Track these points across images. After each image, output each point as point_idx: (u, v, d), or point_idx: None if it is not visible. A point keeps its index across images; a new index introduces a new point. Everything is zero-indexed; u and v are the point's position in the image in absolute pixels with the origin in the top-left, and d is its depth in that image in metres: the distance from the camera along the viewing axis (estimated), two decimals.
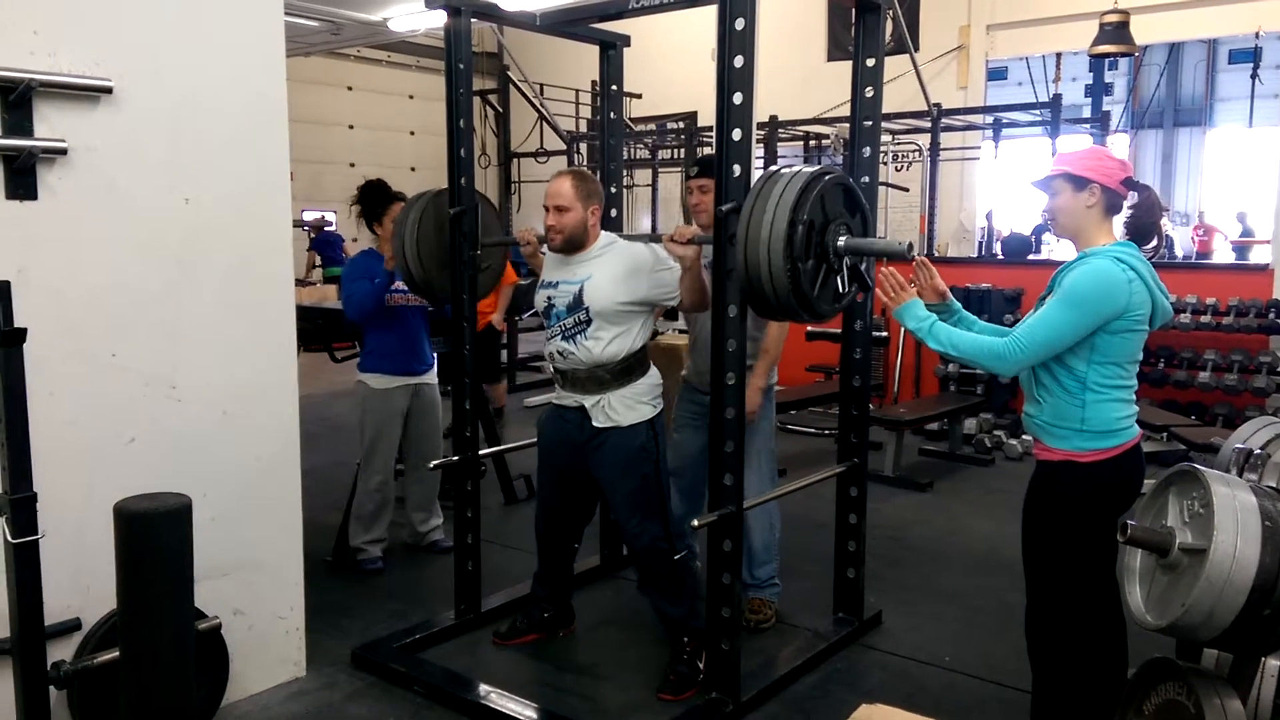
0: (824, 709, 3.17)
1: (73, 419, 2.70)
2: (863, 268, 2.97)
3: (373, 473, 4.29)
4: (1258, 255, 13.55)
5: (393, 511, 4.42)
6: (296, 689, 3.26)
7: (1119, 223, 2.58)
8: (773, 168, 2.82)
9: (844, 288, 2.86)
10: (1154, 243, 2.57)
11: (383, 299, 4.17)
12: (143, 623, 2.08)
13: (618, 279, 3.19)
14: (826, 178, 2.73)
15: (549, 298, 3.30)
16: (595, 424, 3.25)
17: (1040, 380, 2.59)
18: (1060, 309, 2.46)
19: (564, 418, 3.37)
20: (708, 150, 11.58)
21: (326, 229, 11.82)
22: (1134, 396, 2.59)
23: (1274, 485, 2.59)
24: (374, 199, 4.37)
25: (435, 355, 4.50)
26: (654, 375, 3.34)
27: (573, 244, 3.25)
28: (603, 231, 3.34)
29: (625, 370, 3.23)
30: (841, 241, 2.78)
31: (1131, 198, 2.56)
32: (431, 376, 4.43)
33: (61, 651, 2.67)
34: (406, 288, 4.07)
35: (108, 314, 2.76)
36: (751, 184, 2.79)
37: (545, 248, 3.41)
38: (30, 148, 2.53)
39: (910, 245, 2.75)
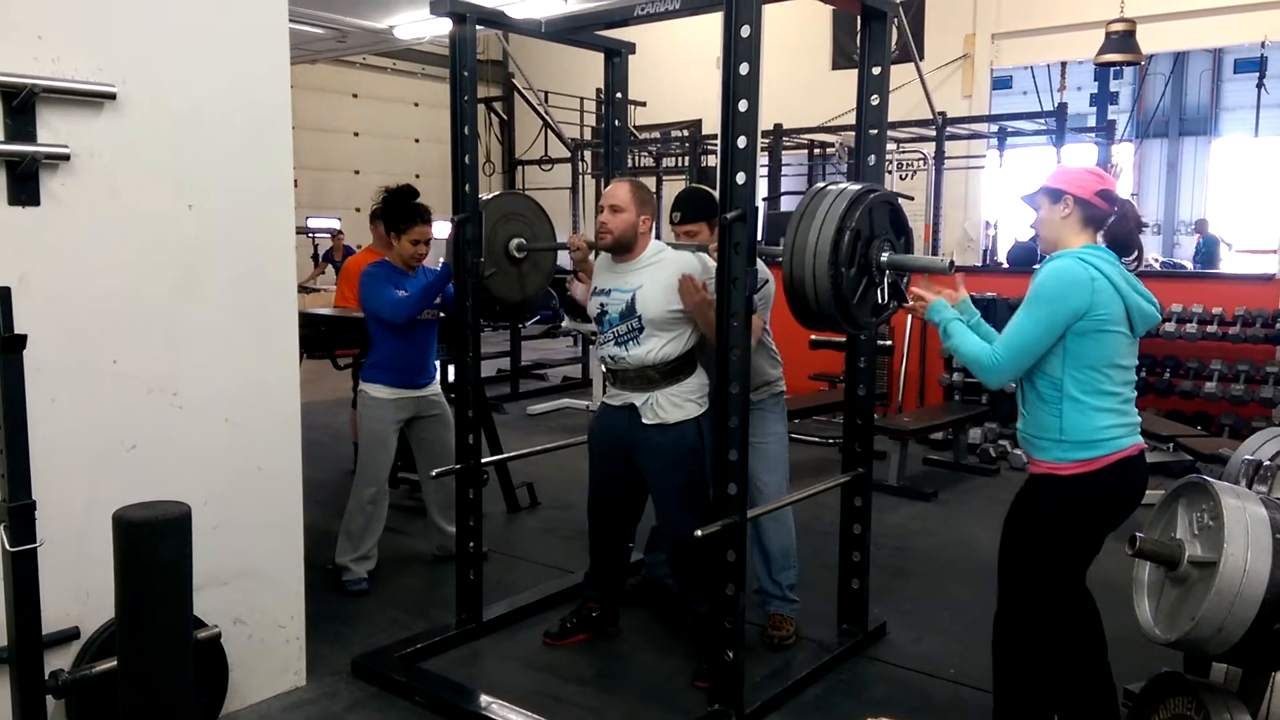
0: None
1: (73, 426, 2.68)
2: (903, 283, 2.99)
3: (366, 483, 4.19)
4: (1227, 264, 13.52)
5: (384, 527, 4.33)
6: (296, 699, 3.24)
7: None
8: (820, 184, 2.89)
9: (883, 299, 2.91)
10: (1134, 254, 2.60)
11: (434, 296, 4.15)
12: (141, 632, 2.06)
13: (669, 288, 3.28)
14: (874, 194, 2.80)
15: (602, 304, 3.42)
16: (644, 421, 3.34)
17: (1024, 391, 2.64)
18: (1026, 310, 2.52)
19: (614, 416, 3.47)
20: (712, 159, 11.59)
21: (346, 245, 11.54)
22: (1125, 406, 2.55)
23: None
24: (400, 210, 4.25)
25: (438, 367, 4.48)
26: (701, 375, 3.41)
27: (622, 245, 3.35)
28: (653, 240, 3.43)
29: (673, 371, 3.34)
30: (885, 256, 2.84)
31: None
32: (434, 388, 4.39)
33: (60, 660, 2.65)
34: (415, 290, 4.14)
35: (109, 320, 2.74)
36: (756, 192, 2.81)
37: (593, 255, 3.48)
38: (33, 153, 2.52)
39: (951, 262, 2.84)
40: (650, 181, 12.98)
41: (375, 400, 4.20)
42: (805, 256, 2.73)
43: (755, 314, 3.01)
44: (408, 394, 4.24)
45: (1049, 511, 2.58)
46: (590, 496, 3.64)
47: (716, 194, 3.44)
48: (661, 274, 3.31)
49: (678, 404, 3.34)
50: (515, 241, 3.93)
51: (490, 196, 3.86)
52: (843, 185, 2.84)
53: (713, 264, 3.20)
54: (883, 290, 2.89)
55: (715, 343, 2.94)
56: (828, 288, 2.71)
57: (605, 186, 3.62)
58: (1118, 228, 2.57)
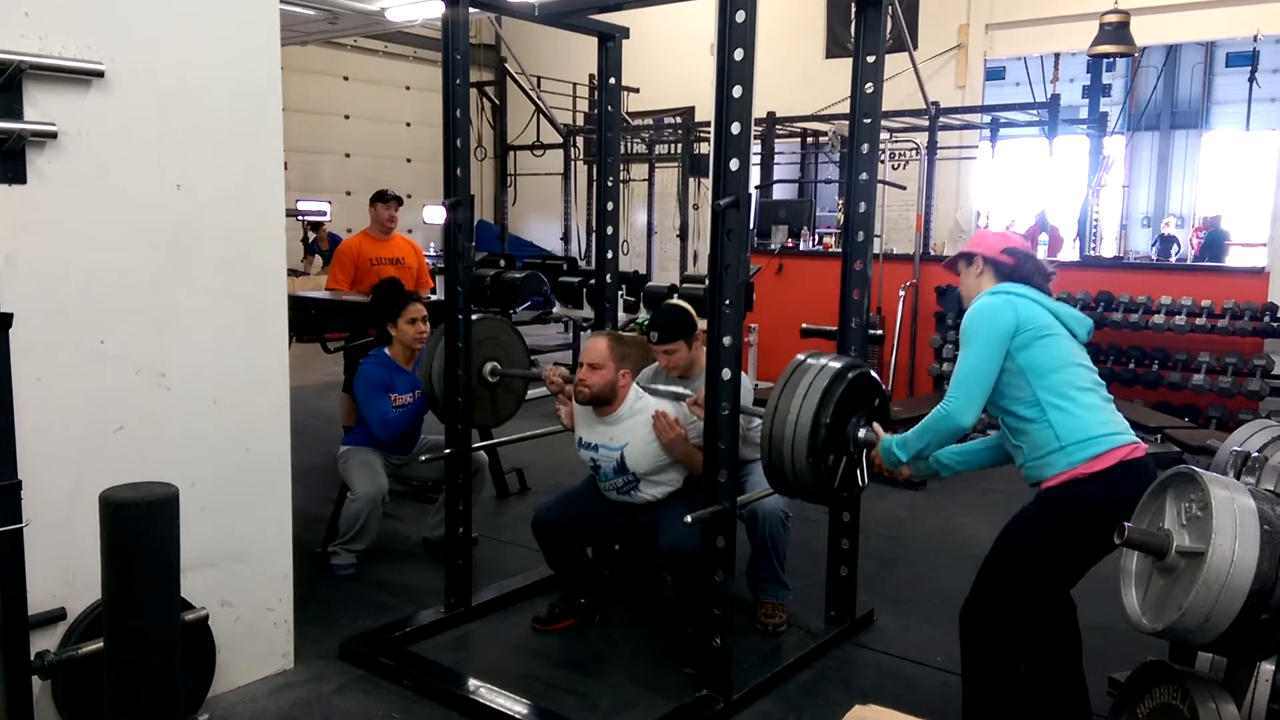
0: (815, 708, 3.15)
1: (60, 406, 2.66)
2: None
3: (360, 498, 4.13)
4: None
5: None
6: (284, 681, 3.23)
7: None
8: (800, 356, 2.92)
9: (863, 481, 2.97)
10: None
11: (420, 416, 4.22)
12: (128, 613, 2.05)
13: (654, 443, 3.41)
14: (850, 375, 2.84)
15: (593, 459, 3.54)
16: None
17: (1008, 427, 2.71)
18: (964, 351, 2.66)
19: None
20: (705, 146, 11.56)
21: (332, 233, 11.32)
22: (1108, 404, 2.63)
23: (1272, 489, 2.57)
24: (388, 300, 4.37)
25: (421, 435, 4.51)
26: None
27: (599, 400, 3.43)
28: (633, 386, 3.48)
29: (678, 494, 3.50)
30: (861, 434, 2.88)
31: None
32: (419, 443, 4.44)
33: (46, 641, 2.64)
34: (410, 393, 4.23)
35: (97, 300, 2.72)
36: (749, 179, 2.80)
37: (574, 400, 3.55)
38: (20, 131, 2.49)
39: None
40: (643, 169, 12.97)
41: (358, 449, 4.27)
42: (784, 447, 2.78)
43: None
44: (394, 457, 4.34)
45: (1060, 519, 2.59)
46: (555, 508, 3.64)
47: (693, 310, 3.58)
48: (644, 430, 3.40)
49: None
50: (490, 366, 3.92)
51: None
52: (821, 363, 2.85)
53: (689, 413, 3.35)
54: (862, 469, 2.94)
55: (703, 451, 2.98)
56: (808, 478, 2.78)
57: (596, 174, 3.63)
58: (1018, 276, 2.76)
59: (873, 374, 2.99)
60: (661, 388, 3.59)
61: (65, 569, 2.70)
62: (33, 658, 2.54)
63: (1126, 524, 2.31)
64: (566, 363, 9.93)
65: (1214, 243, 13.86)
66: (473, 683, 3.19)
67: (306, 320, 5.39)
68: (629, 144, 12.56)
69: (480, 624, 3.73)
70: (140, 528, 2.01)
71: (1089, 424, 2.56)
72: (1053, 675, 2.70)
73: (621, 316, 5.04)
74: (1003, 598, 2.68)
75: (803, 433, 2.74)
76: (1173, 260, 13.20)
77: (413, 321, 4.28)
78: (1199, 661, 2.55)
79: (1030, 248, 2.86)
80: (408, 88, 16.01)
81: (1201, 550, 2.15)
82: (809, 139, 12.22)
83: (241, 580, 3.12)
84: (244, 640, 3.14)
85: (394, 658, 3.34)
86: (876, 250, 7.48)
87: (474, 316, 3.66)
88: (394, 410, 4.19)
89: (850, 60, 3.42)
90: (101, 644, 2.16)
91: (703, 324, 3.32)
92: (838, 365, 2.85)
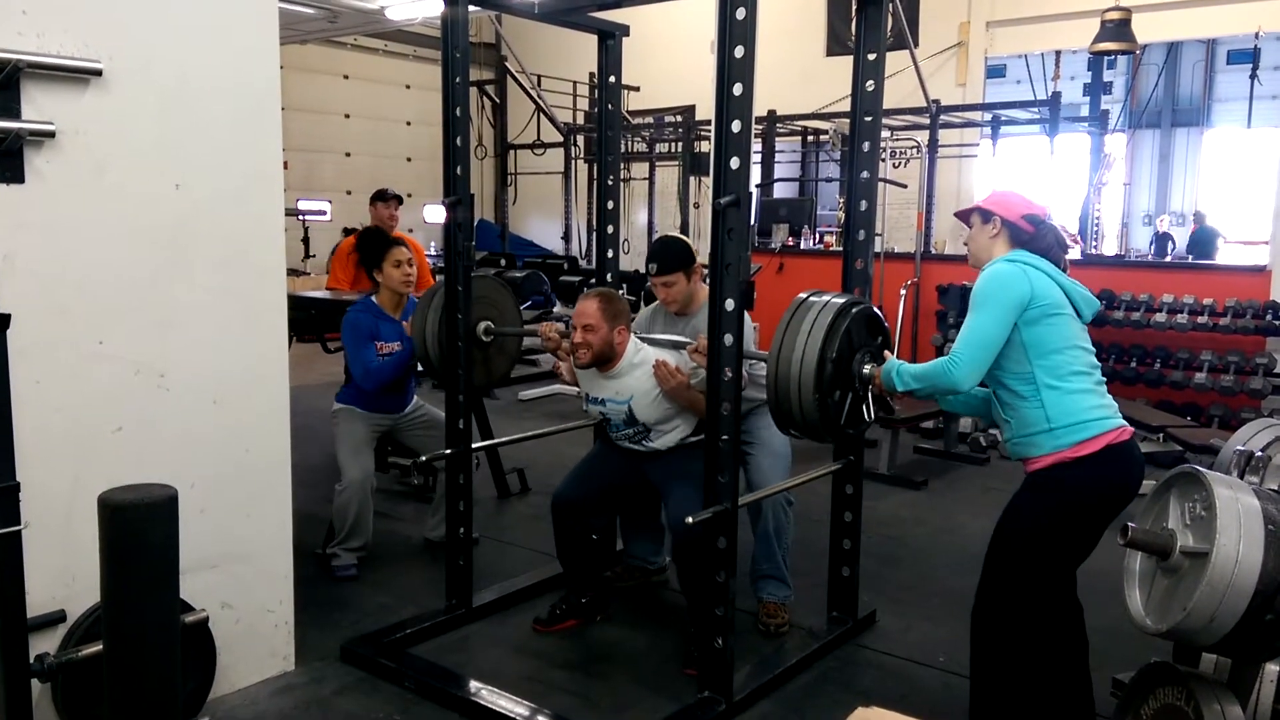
0: (818, 709, 3.14)
1: (59, 407, 2.65)
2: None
3: (349, 483, 4.12)
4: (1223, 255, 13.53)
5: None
6: (285, 683, 3.22)
7: None
8: (801, 294, 2.91)
9: (869, 416, 2.98)
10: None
11: (407, 367, 4.16)
12: (128, 615, 2.04)
13: (658, 392, 3.41)
14: (854, 311, 2.83)
15: (602, 413, 3.56)
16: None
17: (1000, 399, 2.70)
18: (973, 314, 2.62)
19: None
20: (705, 145, 11.55)
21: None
22: (1100, 388, 2.64)
23: (1276, 488, 2.56)
24: (372, 245, 4.33)
25: (415, 390, 4.47)
26: None
27: (600, 359, 3.42)
28: (631, 337, 3.47)
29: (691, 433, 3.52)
30: (866, 369, 2.87)
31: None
32: (413, 403, 4.40)
33: (46, 644, 2.63)
34: (399, 340, 4.16)
35: (96, 301, 2.71)
36: (750, 178, 2.78)
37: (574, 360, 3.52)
38: (17, 130, 2.48)
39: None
40: (643, 167, 12.96)
41: (350, 413, 4.23)
42: (790, 385, 2.77)
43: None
44: (384, 415, 4.29)
45: (1051, 504, 2.60)
46: (569, 484, 3.63)
47: (693, 243, 3.54)
48: (648, 382, 3.41)
49: (697, 434, 3.44)
50: (483, 325, 3.87)
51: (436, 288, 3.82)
52: (825, 299, 2.85)
53: (690, 360, 3.35)
54: (868, 405, 2.94)
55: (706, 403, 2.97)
56: (815, 414, 2.78)
57: (597, 173, 3.62)
58: (1033, 245, 2.71)
59: (875, 310, 2.98)
60: (660, 337, 3.59)
61: (64, 571, 2.68)
62: (32, 660, 2.53)
63: (1130, 524, 2.31)
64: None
65: (1200, 240, 13.78)
66: (474, 684, 3.18)
67: (306, 320, 5.38)
68: (629, 142, 12.55)
69: (481, 625, 3.72)
70: (140, 530, 2.00)
71: (1080, 407, 2.57)
72: (1059, 676, 2.69)
73: None
74: (1009, 591, 2.67)
75: (809, 369, 2.74)
76: (1169, 258, 13.17)
77: (398, 264, 4.22)
78: (1203, 662, 2.54)
79: (1048, 214, 2.79)
80: (408, 86, 15.98)
81: (1205, 550, 2.14)
82: (810, 137, 12.21)
83: (242, 582, 3.11)
84: (244, 642, 3.13)
85: (395, 659, 3.33)
86: (877, 249, 7.47)
87: None
88: (379, 358, 4.13)
89: (851, 58, 3.41)
90: (101, 647, 2.15)
91: (702, 257, 3.35)
92: (841, 301, 2.85)
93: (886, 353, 2.92)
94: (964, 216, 2.85)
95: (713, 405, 2.88)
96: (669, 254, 3.58)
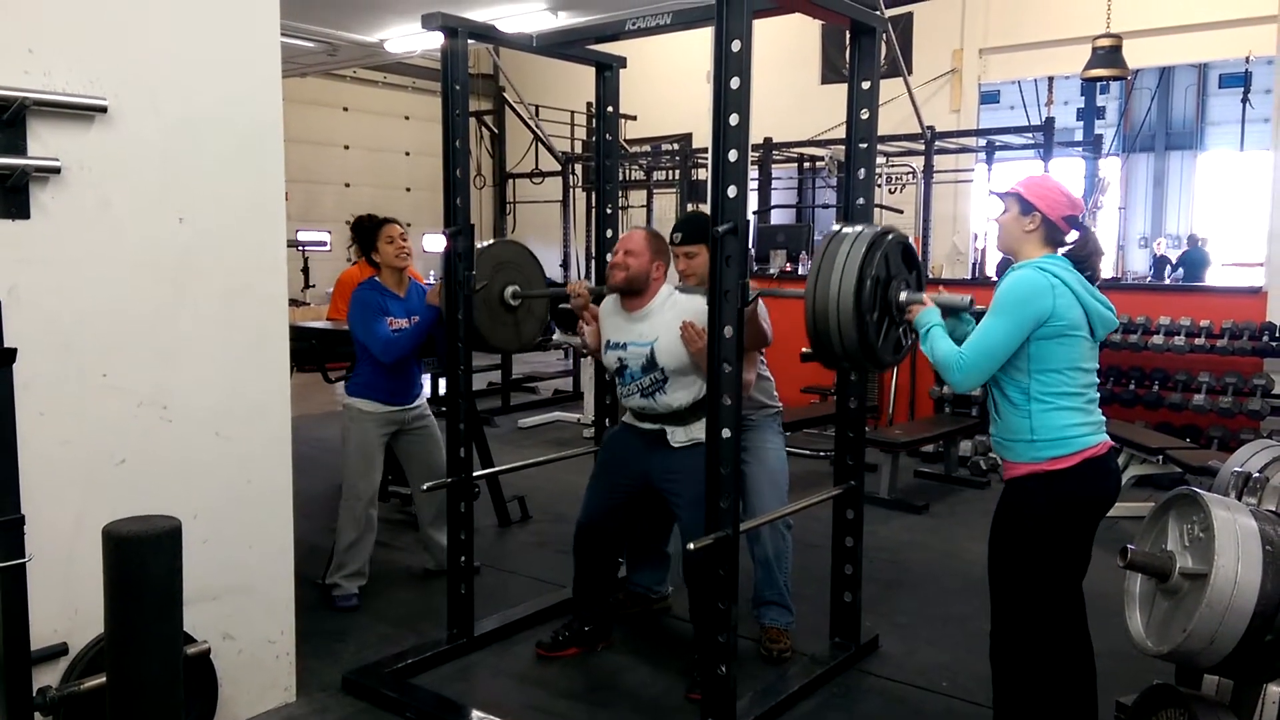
0: None
1: (63, 440, 2.66)
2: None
3: (354, 498, 4.14)
4: (1211, 277, 13.55)
5: (374, 541, 4.29)
6: (286, 714, 3.21)
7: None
8: (835, 226, 2.92)
9: (905, 340, 2.97)
10: (1088, 274, 2.69)
11: (419, 343, 4.13)
12: (131, 647, 2.04)
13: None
14: (889, 237, 2.84)
15: (620, 359, 3.47)
16: (674, 443, 3.42)
17: (993, 396, 2.71)
18: (991, 318, 2.60)
19: (639, 434, 3.52)
20: (702, 172, 11.63)
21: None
22: (1089, 406, 2.64)
23: (1274, 509, 2.58)
24: (364, 232, 4.33)
25: (424, 382, 4.45)
26: None
27: (633, 287, 3.40)
28: (665, 283, 3.46)
29: (702, 405, 3.34)
30: (904, 295, 2.87)
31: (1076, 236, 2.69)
32: (421, 402, 4.37)
33: (48, 677, 2.63)
34: (406, 318, 4.14)
35: (100, 334, 2.73)
36: (747, 206, 2.81)
37: (599, 299, 3.52)
38: (23, 166, 2.51)
39: (971, 300, 2.85)
40: (640, 195, 13.03)
41: (361, 414, 4.18)
42: (829, 305, 2.77)
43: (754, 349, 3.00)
44: (394, 409, 4.23)
45: (1041, 504, 2.61)
46: (586, 512, 3.62)
47: None
48: (676, 323, 3.33)
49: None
50: (510, 289, 3.93)
51: (482, 246, 3.88)
52: (859, 229, 2.86)
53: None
54: (905, 330, 2.94)
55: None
56: (854, 335, 2.76)
57: (595, 201, 3.65)
58: (1074, 252, 2.68)
59: (910, 244, 2.97)
60: (688, 287, 3.53)
61: (67, 603, 2.69)
62: (35, 693, 2.52)
63: (1130, 546, 2.32)
64: (568, 389, 9.95)
65: (1190, 263, 13.83)
66: (476, 714, 3.17)
67: (307, 350, 5.40)
68: (627, 171, 12.63)
69: (483, 654, 3.71)
70: (144, 562, 2.01)
71: (1063, 424, 2.58)
72: (1068, 702, 2.68)
73: None
74: (1017, 613, 2.66)
75: (848, 287, 2.72)
76: (1167, 280, 13.22)
77: (390, 241, 4.22)
78: (1205, 684, 2.54)
79: (1084, 212, 2.74)
80: (407, 118, 16.13)
81: (1204, 572, 2.15)
82: (806, 163, 12.30)
83: (243, 612, 3.11)
84: (246, 673, 3.13)
85: (396, 689, 3.32)
86: None
87: (490, 241, 3.78)
88: (393, 332, 4.12)
89: (845, 86, 3.45)
90: (104, 679, 2.16)
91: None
92: (876, 229, 2.86)
93: (926, 297, 2.84)
94: (1002, 196, 2.76)
95: (713, 430, 2.89)
96: (694, 225, 3.56)
